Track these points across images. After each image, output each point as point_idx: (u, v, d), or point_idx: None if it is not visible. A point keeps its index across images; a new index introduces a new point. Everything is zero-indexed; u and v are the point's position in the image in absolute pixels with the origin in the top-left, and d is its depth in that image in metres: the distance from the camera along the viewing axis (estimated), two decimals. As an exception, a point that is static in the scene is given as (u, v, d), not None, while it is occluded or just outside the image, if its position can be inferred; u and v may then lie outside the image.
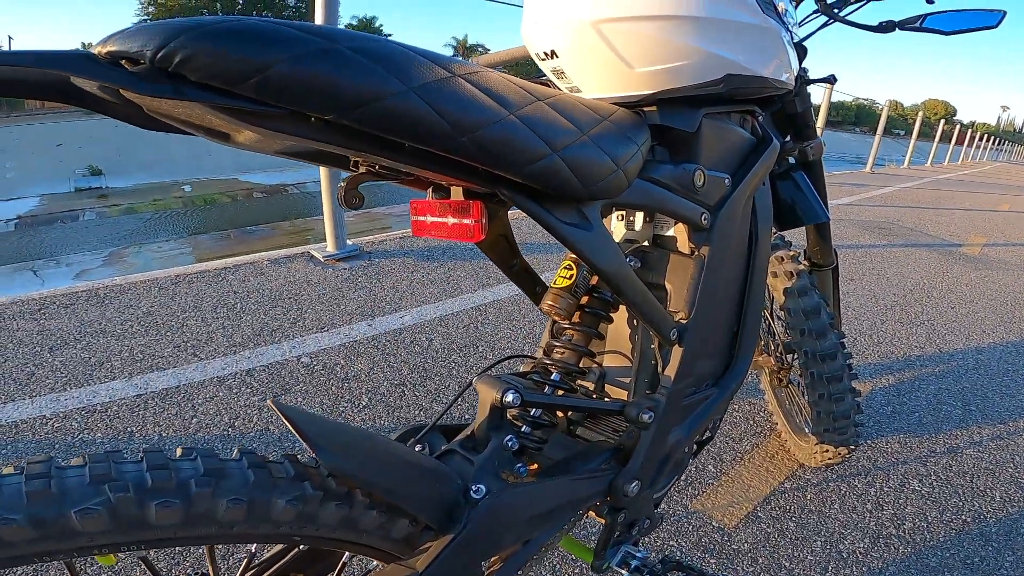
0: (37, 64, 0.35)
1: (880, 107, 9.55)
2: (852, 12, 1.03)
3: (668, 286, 0.75)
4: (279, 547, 0.60)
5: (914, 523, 1.29)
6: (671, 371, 0.70)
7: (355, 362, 1.80)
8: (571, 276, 0.71)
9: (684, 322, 0.70)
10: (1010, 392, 2.02)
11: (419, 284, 2.44)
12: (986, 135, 23.13)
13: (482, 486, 0.56)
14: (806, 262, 1.29)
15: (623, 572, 0.76)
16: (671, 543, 1.17)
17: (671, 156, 0.71)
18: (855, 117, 58.36)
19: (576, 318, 0.72)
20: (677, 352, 0.70)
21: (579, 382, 0.82)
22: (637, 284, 0.63)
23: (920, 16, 0.99)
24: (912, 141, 11.27)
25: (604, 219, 0.85)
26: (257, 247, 5.32)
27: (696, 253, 0.72)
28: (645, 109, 0.69)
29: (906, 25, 0.99)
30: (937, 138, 13.32)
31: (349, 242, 2.75)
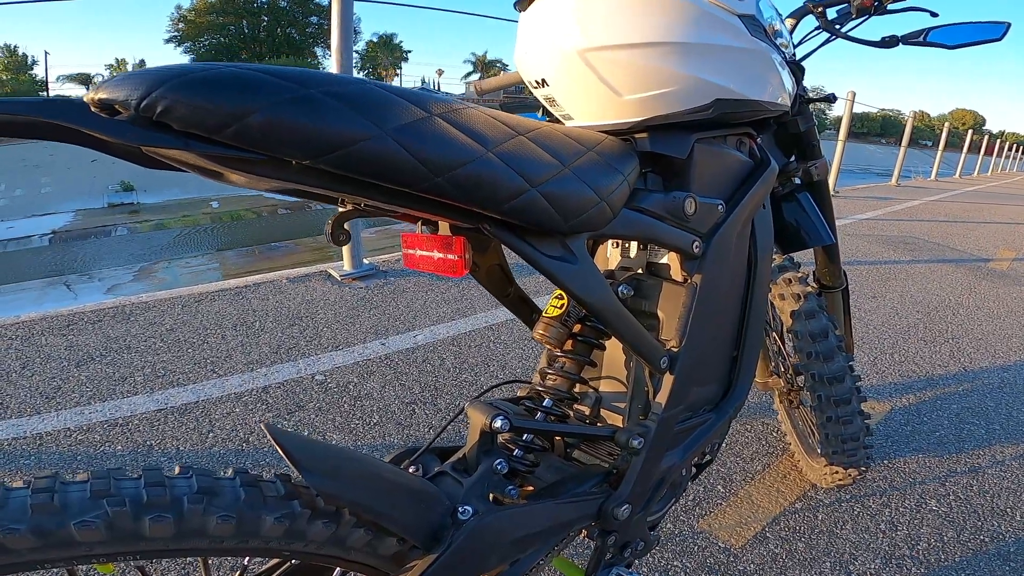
0: (31, 113, 0.37)
1: (905, 118, 9.39)
2: (854, 28, 1.03)
3: (660, 314, 0.75)
4: (272, 561, 0.62)
5: (929, 543, 1.25)
6: (662, 398, 0.70)
7: (368, 380, 1.83)
8: (562, 305, 0.72)
9: (675, 350, 0.70)
10: (1037, 412, 1.96)
11: (433, 303, 2.47)
12: (1016, 144, 22.52)
13: (469, 507, 0.57)
14: (815, 284, 1.28)
15: None
16: (675, 563, 1.16)
17: (664, 183, 0.71)
18: (880, 128, 57.36)
19: (568, 346, 0.73)
20: (668, 380, 0.70)
21: (576, 406, 0.82)
22: (624, 315, 0.64)
23: (923, 30, 0.98)
24: (939, 152, 11.04)
25: (601, 246, 0.87)
26: (280, 263, 5.44)
27: (688, 281, 0.72)
28: (636, 136, 0.70)
29: (909, 40, 0.98)
30: (965, 149, 13.02)
31: (365, 261, 2.80)
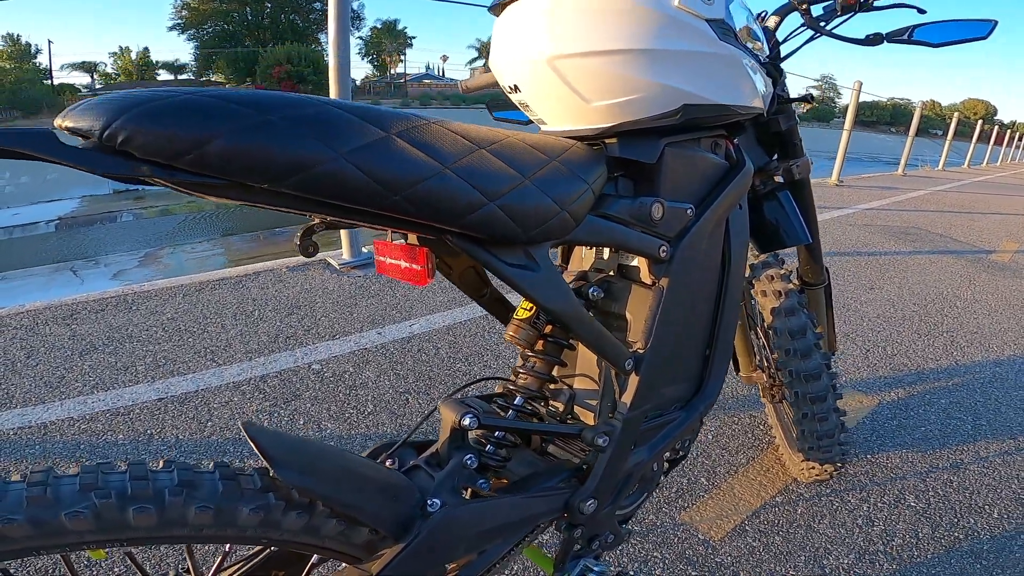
0: (4, 143, 0.38)
1: (915, 107, 9.28)
2: (839, 25, 1.03)
3: (629, 316, 0.77)
4: (254, 548, 0.66)
5: (904, 540, 1.29)
6: (627, 398, 0.73)
7: (364, 369, 1.87)
8: (532, 307, 0.74)
9: (641, 352, 0.73)
10: (1025, 407, 1.98)
11: (429, 292, 2.50)
12: (1026, 134, 22.19)
13: (438, 500, 0.61)
14: (797, 281, 1.30)
15: None
16: (655, 554, 1.20)
17: (635, 187, 0.72)
18: (890, 117, 56.63)
19: (539, 346, 0.76)
20: (633, 380, 0.72)
21: (552, 402, 0.85)
22: (586, 319, 0.66)
23: (909, 28, 0.98)
24: (947, 142, 10.92)
25: (576, 248, 0.89)
26: (284, 248, 5.49)
27: (656, 284, 0.74)
28: (606, 141, 0.71)
29: (894, 38, 0.98)
30: (974, 138, 12.86)
31: (364, 249, 2.83)
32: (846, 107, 6.75)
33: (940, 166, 11.28)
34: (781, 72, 0.95)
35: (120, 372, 1.76)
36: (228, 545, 0.62)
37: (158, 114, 0.40)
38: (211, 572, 0.63)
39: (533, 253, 0.59)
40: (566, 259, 0.89)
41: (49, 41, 54.47)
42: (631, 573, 0.84)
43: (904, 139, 8.95)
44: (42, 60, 41.58)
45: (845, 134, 6.44)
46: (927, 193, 7.30)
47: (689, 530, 1.27)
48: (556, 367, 0.78)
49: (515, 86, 0.72)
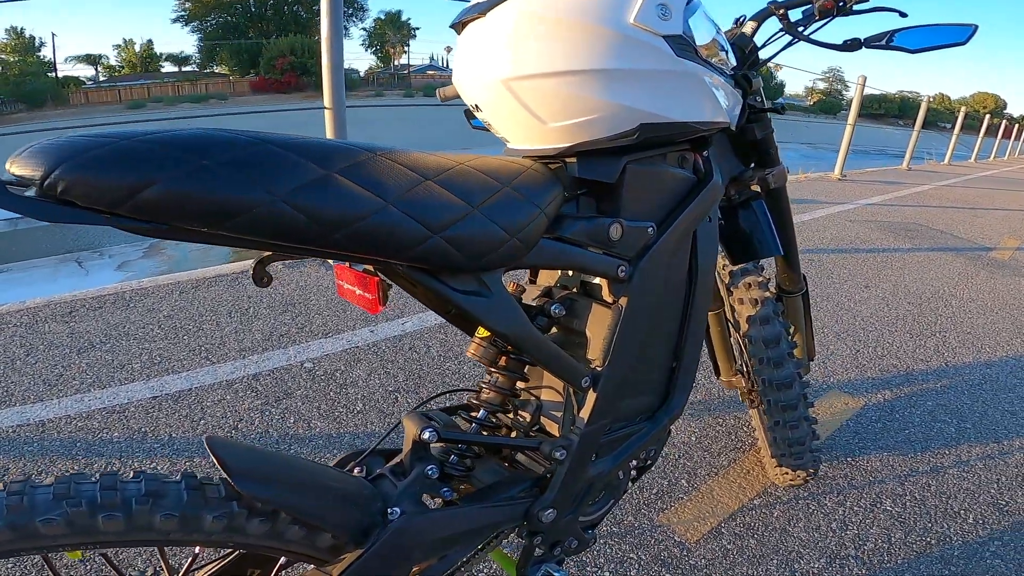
0: None
1: (926, 99, 9.19)
2: (817, 30, 1.03)
3: (589, 334, 0.78)
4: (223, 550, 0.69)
5: (876, 544, 1.31)
6: (585, 414, 0.75)
7: (354, 368, 1.90)
8: None
9: (599, 369, 0.74)
10: (1012, 410, 1.99)
11: (425, 290, 2.52)
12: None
13: (398, 509, 0.64)
14: (775, 289, 1.31)
15: None
16: (631, 555, 1.23)
17: (597, 205, 0.73)
18: (899, 110, 56.06)
19: (502, 362, 0.78)
20: (591, 397, 0.74)
21: (519, 413, 0.88)
22: (541, 342, 0.67)
23: (888, 33, 0.97)
24: (954, 136, 10.82)
25: None
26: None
27: (615, 303, 0.75)
28: (567, 160, 0.71)
29: (872, 43, 0.98)
30: (982, 132, 12.73)
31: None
32: (847, 100, 6.68)
33: (946, 160, 11.18)
34: (751, 83, 0.95)
35: (116, 370, 1.80)
36: (197, 548, 0.66)
37: (95, 163, 0.42)
38: (182, 572, 0.67)
39: (485, 279, 0.61)
40: (534, 274, 0.90)
41: (53, 34, 54.59)
42: None
43: (911, 131, 8.86)
44: (46, 53, 41.74)
45: (848, 128, 6.40)
46: (931, 188, 7.26)
47: (666, 532, 1.30)
48: (525, 378, 0.80)
49: (476, 105, 0.73)
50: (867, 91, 6.41)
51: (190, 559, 0.67)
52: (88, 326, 2.05)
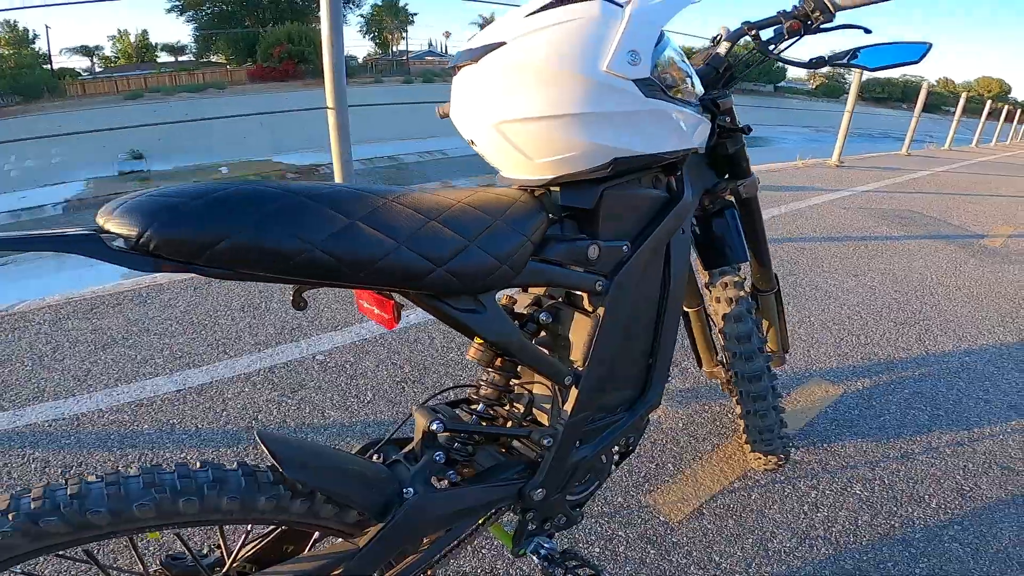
0: (54, 249, 0.50)
1: (926, 83, 9.18)
2: (786, 49, 1.11)
3: (571, 338, 0.90)
4: (269, 528, 0.82)
5: (844, 526, 1.43)
6: (568, 407, 0.88)
7: (363, 360, 2.01)
8: None
9: (580, 369, 0.87)
10: (987, 398, 2.09)
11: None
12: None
13: (412, 489, 0.77)
14: (749, 288, 1.42)
15: (534, 558, 0.97)
16: (619, 532, 1.35)
17: (578, 227, 0.85)
18: (901, 94, 55.57)
19: (498, 363, 0.89)
20: (573, 392, 0.87)
21: (514, 404, 1.00)
22: (528, 348, 0.80)
23: (850, 52, 1.07)
24: (954, 120, 10.81)
25: None
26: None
27: (594, 312, 0.87)
28: (551, 189, 0.83)
29: (835, 61, 1.07)
30: (983, 117, 12.71)
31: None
32: (846, 85, 6.70)
33: (947, 145, 11.17)
34: (719, 105, 1.04)
35: (140, 364, 1.92)
36: (249, 525, 0.78)
37: (177, 223, 0.53)
38: (238, 546, 0.79)
39: (481, 299, 0.73)
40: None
41: (47, 26, 54.08)
42: (575, 551, 1.00)
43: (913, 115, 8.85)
44: (41, 45, 41.53)
45: (846, 115, 6.44)
46: (930, 174, 7.30)
47: (652, 512, 1.42)
48: (519, 374, 0.92)
49: (472, 140, 0.85)
50: (870, 75, 6.44)
51: (243, 536, 0.79)
52: (109, 322, 2.16)
